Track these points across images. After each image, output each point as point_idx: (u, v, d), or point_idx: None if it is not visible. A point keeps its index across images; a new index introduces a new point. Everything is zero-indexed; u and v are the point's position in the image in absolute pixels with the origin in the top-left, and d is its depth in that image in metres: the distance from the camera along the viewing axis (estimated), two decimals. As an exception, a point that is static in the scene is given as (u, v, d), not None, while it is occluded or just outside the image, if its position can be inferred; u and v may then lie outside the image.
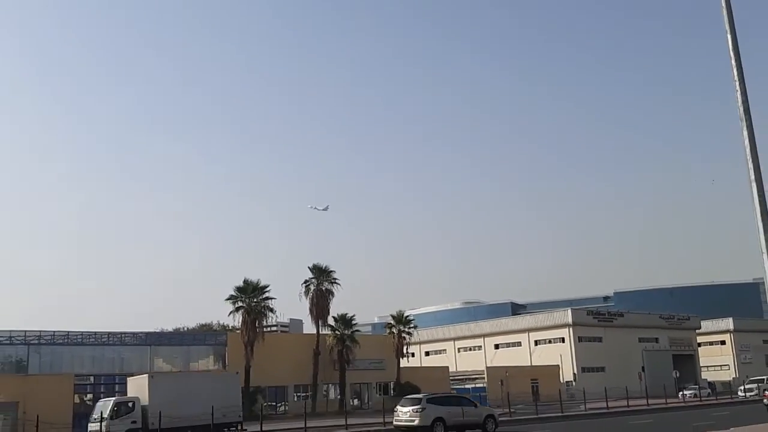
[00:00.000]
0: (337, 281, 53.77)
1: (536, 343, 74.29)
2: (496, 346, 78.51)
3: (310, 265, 53.93)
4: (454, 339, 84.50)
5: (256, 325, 47.89)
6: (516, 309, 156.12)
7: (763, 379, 57.61)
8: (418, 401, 28.91)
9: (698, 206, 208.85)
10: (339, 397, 53.09)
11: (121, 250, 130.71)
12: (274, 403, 51.12)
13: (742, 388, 59.66)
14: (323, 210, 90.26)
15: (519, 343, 75.93)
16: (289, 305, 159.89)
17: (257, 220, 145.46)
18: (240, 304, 48.15)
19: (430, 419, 27.65)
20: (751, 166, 7.70)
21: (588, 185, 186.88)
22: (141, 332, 47.53)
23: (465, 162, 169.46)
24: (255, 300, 48.42)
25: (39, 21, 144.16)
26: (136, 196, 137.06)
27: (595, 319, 73.94)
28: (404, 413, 28.60)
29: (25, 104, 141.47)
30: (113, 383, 44.78)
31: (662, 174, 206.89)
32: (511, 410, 43.18)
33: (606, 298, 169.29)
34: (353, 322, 54.93)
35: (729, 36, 8.35)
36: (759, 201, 7.62)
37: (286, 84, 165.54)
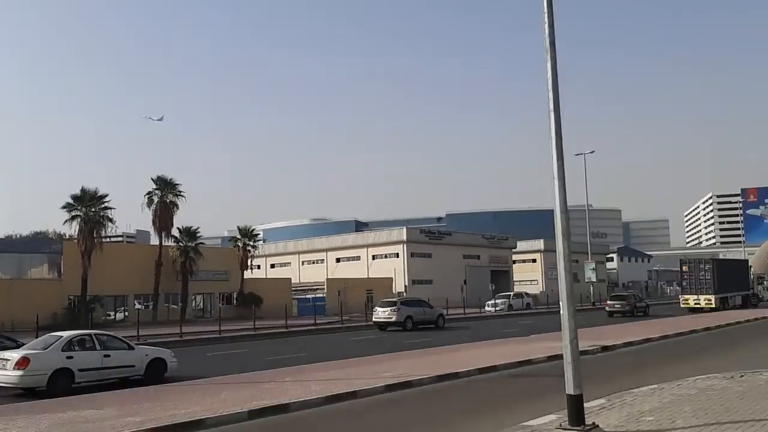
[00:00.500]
0: (182, 194, 53.62)
1: (374, 257, 79.02)
2: (338, 260, 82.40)
3: (154, 177, 53.31)
4: (299, 253, 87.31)
5: (94, 234, 46.99)
6: (359, 226, 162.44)
7: (509, 294, 64.22)
8: (394, 303, 37.85)
9: (524, 140, 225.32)
10: (181, 306, 53.97)
11: None
12: (111, 313, 51.09)
13: (491, 302, 60.76)
14: (158, 120, 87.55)
15: (359, 258, 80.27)
16: (138, 216, 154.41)
17: (102, 131, 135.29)
18: (76, 212, 46.79)
19: (404, 316, 36.53)
20: (551, 96, 8.71)
21: (428, 113, 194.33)
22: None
23: (319, 76, 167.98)
24: (93, 209, 47.24)
25: None
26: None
27: (427, 237, 79.76)
28: (383, 312, 37.01)
29: None
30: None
31: (498, 107, 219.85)
32: (344, 318, 46.66)
33: (439, 219, 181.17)
34: (198, 234, 55.39)
35: None
36: (555, 129, 8.71)
37: None
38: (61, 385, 15.20)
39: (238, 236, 59.93)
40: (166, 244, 53.31)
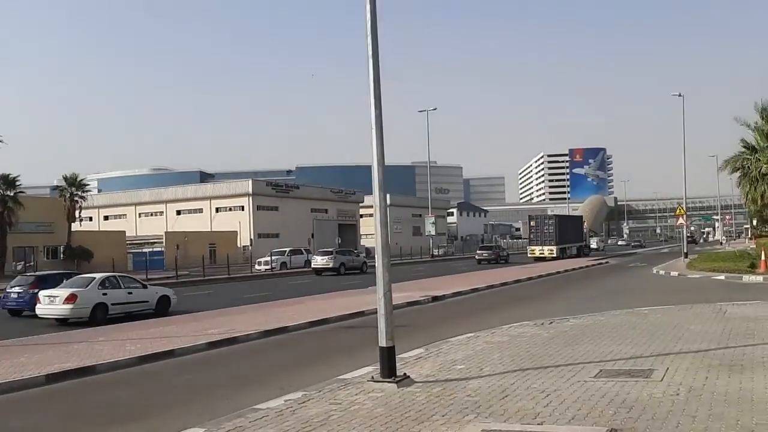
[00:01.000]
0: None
1: (217, 210, 76.57)
2: (178, 212, 78.88)
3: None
4: (136, 204, 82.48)
5: None
6: (204, 178, 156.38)
7: (284, 251, 55.53)
8: (330, 253, 45.50)
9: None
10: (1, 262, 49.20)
11: None
12: None
13: (261, 260, 52.98)
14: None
15: (201, 210, 77.38)
16: None
17: None
18: None
19: (339, 262, 44.31)
20: (369, 42, 8.47)
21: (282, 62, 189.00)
22: None
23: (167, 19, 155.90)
24: None
25: None
26: None
27: (274, 190, 78.49)
28: (321, 260, 44.56)
29: None
30: None
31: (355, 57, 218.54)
32: (180, 273, 44.92)
33: (288, 172, 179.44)
34: (17, 183, 50.39)
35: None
36: (374, 76, 8.42)
37: None
38: (99, 316, 18.66)
39: (64, 185, 55.25)
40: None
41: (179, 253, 55.79)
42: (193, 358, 12.86)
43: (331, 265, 43.83)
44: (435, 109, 65.71)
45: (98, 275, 20.16)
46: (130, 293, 19.93)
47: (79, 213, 55.83)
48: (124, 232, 64.76)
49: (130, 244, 64.49)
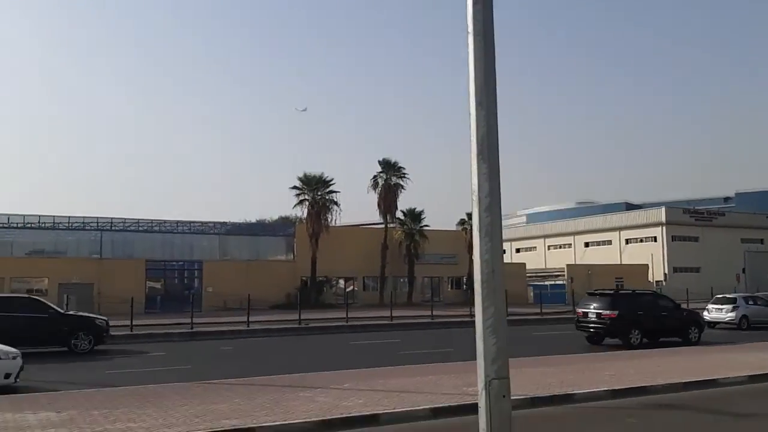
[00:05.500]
0: (406, 176, 53.06)
1: (627, 241, 70.71)
2: (586, 245, 75.59)
3: (380, 159, 53.43)
4: (545, 236, 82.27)
5: (321, 217, 48.37)
6: (630, 209, 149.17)
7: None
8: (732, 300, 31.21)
9: None
10: (408, 289, 53.43)
11: (176, 146, 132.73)
12: (341, 294, 52.33)
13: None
14: (303, 111, 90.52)
15: (609, 242, 72.61)
16: (352, 201, 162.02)
17: (332, 116, 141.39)
18: (304, 197, 48.62)
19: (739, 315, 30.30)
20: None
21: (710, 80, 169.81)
22: (210, 221, 49.24)
23: (544, 56, 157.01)
24: (319, 193, 48.72)
25: None
26: (183, 101, 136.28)
27: (692, 218, 68.82)
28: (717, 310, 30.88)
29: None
30: (183, 269, 47.39)
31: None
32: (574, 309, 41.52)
33: (726, 199, 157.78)
34: (422, 217, 54.41)
35: None
36: None
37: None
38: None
39: (466, 218, 57.42)
40: (391, 226, 53.15)
41: (581, 287, 52.56)
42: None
43: (728, 319, 30.22)
44: None
45: None
46: None
47: (480, 245, 57.32)
48: (524, 264, 64.23)
49: (532, 276, 63.68)
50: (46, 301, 21.47)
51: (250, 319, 28.80)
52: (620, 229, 72.03)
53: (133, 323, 26.79)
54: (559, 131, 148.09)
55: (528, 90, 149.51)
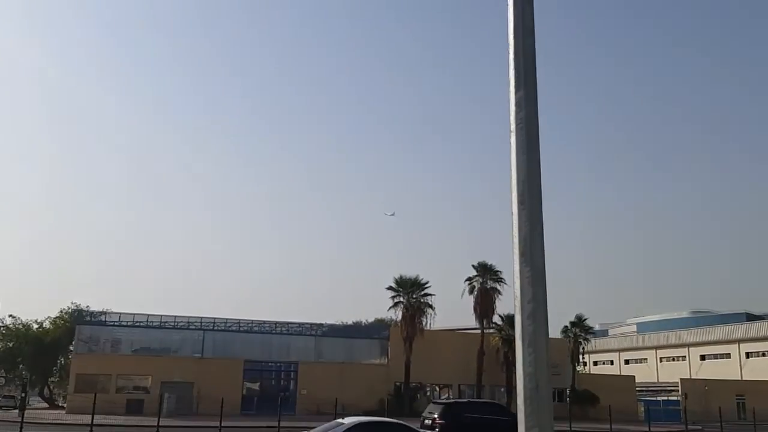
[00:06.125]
0: (503, 280, 51.87)
1: (747, 355, 64.93)
2: (702, 357, 70.04)
3: (475, 263, 52.69)
4: (656, 348, 77.15)
5: (415, 320, 47.86)
6: (752, 320, 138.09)
7: None
8: None
9: None
10: (506, 399, 50.97)
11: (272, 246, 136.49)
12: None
13: None
14: (391, 215, 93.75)
15: (728, 355, 66.96)
16: (447, 305, 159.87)
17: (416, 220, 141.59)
18: (399, 299, 48.52)
19: None
20: None
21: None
22: (307, 322, 49.76)
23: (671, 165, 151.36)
24: (414, 296, 48.51)
25: None
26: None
27: (826, 329, 62.69)
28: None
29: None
30: (280, 370, 47.69)
31: None
32: (693, 428, 38.07)
33: None
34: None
35: None
36: None
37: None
38: None
39: (569, 326, 55.08)
40: (488, 332, 51.61)
41: (697, 404, 48.48)
42: None
43: None
44: None
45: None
46: None
47: (582, 355, 54.57)
48: (634, 377, 59.92)
49: (642, 390, 59.26)
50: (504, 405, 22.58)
51: (338, 426, 28.26)
52: (740, 341, 66.45)
53: (224, 425, 26.87)
54: (673, 232, 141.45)
55: (644, 189, 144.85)
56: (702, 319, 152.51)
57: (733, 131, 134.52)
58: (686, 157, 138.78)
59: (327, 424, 17.27)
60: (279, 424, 27.67)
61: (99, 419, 28.34)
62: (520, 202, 3.70)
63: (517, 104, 3.96)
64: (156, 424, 26.34)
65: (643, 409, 52.84)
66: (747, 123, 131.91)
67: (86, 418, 26.01)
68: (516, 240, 3.69)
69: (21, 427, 25.12)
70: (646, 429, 37.31)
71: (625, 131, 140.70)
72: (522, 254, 3.70)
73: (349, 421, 16.42)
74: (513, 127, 3.95)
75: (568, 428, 33.58)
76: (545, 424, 3.58)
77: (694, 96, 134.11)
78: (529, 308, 3.65)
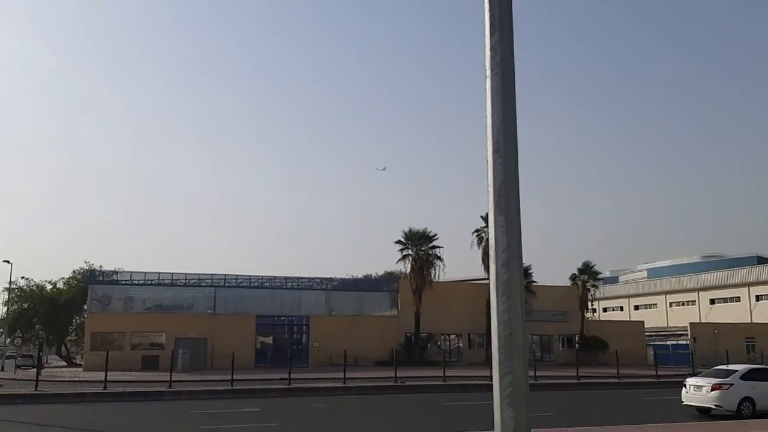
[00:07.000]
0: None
1: (758, 298, 65.09)
2: (711, 302, 70.31)
3: (483, 214, 52.53)
4: (666, 293, 77.42)
5: (424, 273, 48.13)
6: (763, 263, 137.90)
7: None
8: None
9: None
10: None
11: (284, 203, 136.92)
12: (446, 351, 51.31)
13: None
14: (382, 170, 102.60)
15: (738, 299, 67.15)
16: (453, 257, 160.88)
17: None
18: (408, 252, 48.73)
19: None
20: None
21: None
22: (317, 277, 50.15)
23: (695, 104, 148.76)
24: (422, 249, 48.67)
25: None
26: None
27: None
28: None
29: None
30: (292, 324, 48.35)
31: None
32: (699, 371, 38.30)
33: None
34: (530, 271, 52.65)
35: None
36: None
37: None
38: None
39: (577, 274, 55.21)
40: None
41: (706, 347, 48.91)
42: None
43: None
44: None
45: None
46: None
47: (591, 302, 54.86)
48: (642, 322, 60.28)
49: (651, 335, 59.72)
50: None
51: (349, 376, 29.08)
52: (750, 284, 66.48)
53: (236, 378, 27.42)
54: (684, 178, 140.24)
55: (654, 135, 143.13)
56: (713, 264, 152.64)
57: (738, 74, 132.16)
58: (693, 98, 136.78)
59: (713, 369, 19.93)
60: (290, 375, 28.16)
61: (115, 376, 29.03)
62: (495, 150, 3.62)
63: (492, 48, 3.83)
64: (169, 379, 26.91)
65: (652, 353, 53.30)
66: (750, 66, 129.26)
67: (102, 375, 26.58)
68: (491, 189, 3.64)
69: (36, 385, 25.77)
70: (653, 373, 37.73)
71: (633, 72, 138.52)
72: (497, 204, 3.66)
73: (741, 367, 19.23)
74: (488, 72, 3.84)
75: (576, 374, 34.02)
76: (519, 371, 3.58)
77: (700, 33, 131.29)
78: (503, 257, 3.63)
